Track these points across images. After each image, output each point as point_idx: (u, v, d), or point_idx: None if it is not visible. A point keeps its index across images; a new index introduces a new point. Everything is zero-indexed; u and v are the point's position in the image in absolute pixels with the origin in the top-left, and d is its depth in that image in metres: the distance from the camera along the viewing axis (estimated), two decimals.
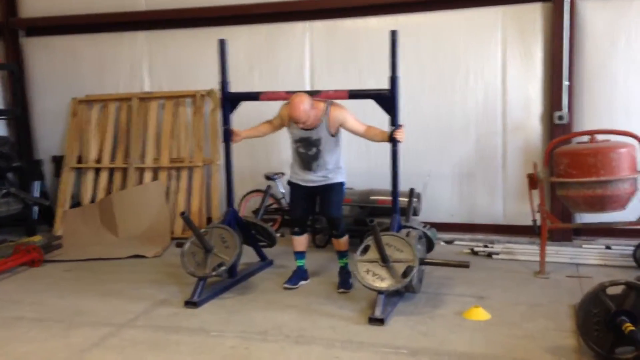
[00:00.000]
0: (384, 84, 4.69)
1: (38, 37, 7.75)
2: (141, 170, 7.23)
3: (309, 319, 4.40)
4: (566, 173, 5.07)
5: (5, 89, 7.70)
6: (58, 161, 7.70)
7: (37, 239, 6.53)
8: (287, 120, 4.90)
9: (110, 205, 7.00)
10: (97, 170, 7.40)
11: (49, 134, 7.86)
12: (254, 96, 5.15)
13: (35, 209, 7.46)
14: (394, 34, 4.59)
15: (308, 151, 4.86)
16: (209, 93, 7.06)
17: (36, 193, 7.57)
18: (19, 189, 7.30)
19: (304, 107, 4.60)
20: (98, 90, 7.55)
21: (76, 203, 7.41)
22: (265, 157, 7.03)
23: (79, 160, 7.48)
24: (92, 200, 7.30)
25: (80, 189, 7.42)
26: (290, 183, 5.15)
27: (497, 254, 5.87)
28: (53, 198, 7.58)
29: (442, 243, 6.33)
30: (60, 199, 7.37)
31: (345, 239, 5.04)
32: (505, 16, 6.26)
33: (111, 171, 7.36)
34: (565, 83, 6.03)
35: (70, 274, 5.74)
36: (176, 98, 7.24)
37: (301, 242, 5.14)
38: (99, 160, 7.41)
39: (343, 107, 4.82)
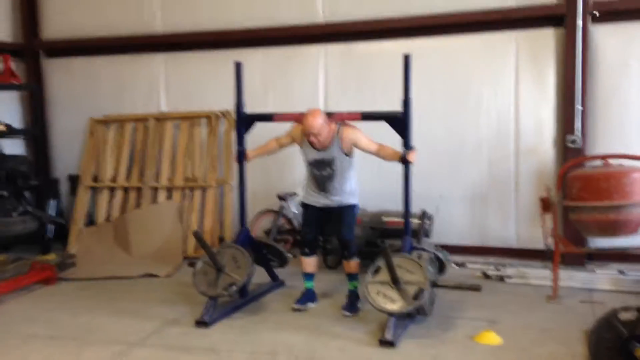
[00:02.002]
0: (397, 107, 4.74)
1: (58, 59, 7.91)
2: (155, 190, 7.30)
3: (319, 341, 4.40)
4: (579, 197, 5.06)
5: (25, 108, 7.84)
6: (74, 180, 7.80)
7: (51, 257, 6.61)
8: (299, 139, 4.95)
9: (124, 224, 7.07)
10: (112, 189, 7.49)
11: (67, 153, 7.98)
12: (268, 117, 5.21)
13: (51, 227, 7.55)
14: (407, 58, 4.65)
15: (322, 172, 4.90)
16: (224, 114, 7.15)
17: (52, 211, 7.66)
18: (35, 207, 7.40)
19: (319, 120, 4.66)
20: (115, 111, 7.68)
21: (91, 221, 7.49)
22: (278, 177, 7.08)
23: (95, 179, 7.58)
24: (107, 219, 7.38)
25: (95, 207, 7.51)
26: (303, 204, 5.19)
27: (509, 277, 5.84)
28: (68, 216, 7.67)
29: (454, 266, 6.30)
30: (75, 217, 7.45)
31: (355, 261, 5.04)
32: (518, 41, 6.30)
33: (126, 190, 7.45)
34: (578, 107, 6.04)
35: (84, 292, 5.79)
36: (191, 119, 7.34)
37: (311, 263, 5.15)
38: (114, 180, 7.50)
39: (354, 126, 4.87)
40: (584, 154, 6.03)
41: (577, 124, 6.06)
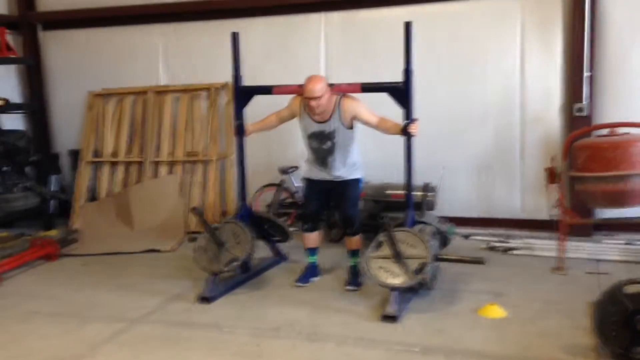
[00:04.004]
0: (400, 76, 4.61)
1: (55, 31, 7.77)
2: (156, 164, 7.24)
3: (322, 316, 4.37)
4: (585, 167, 4.95)
5: (23, 83, 7.74)
6: (75, 155, 7.74)
7: (53, 232, 6.59)
8: (299, 111, 4.84)
9: (126, 199, 7.03)
10: (114, 164, 7.43)
11: (66, 128, 7.90)
12: (266, 90, 5.09)
13: (53, 202, 7.52)
14: (408, 25, 4.51)
15: (322, 145, 4.80)
16: (224, 86, 7.04)
17: (54, 187, 7.63)
18: (36, 182, 7.37)
19: (319, 85, 4.54)
20: (115, 84, 7.56)
21: (93, 197, 7.45)
22: (280, 151, 6.99)
23: (96, 154, 7.52)
24: (109, 194, 7.33)
25: (96, 182, 7.46)
26: (305, 179, 5.10)
27: (514, 249, 5.77)
28: (70, 192, 7.63)
29: (459, 238, 6.23)
30: (77, 192, 7.41)
31: (358, 237, 4.97)
32: (525, 6, 6.12)
33: (127, 165, 7.38)
34: (586, 74, 5.89)
35: (86, 268, 5.78)
36: (191, 91, 7.23)
37: (313, 238, 5.09)
38: (115, 154, 7.43)
39: (355, 98, 4.76)
40: (591, 122, 5.90)
41: (585, 91, 5.91)
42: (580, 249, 5.64)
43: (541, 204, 5.99)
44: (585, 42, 5.85)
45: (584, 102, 5.92)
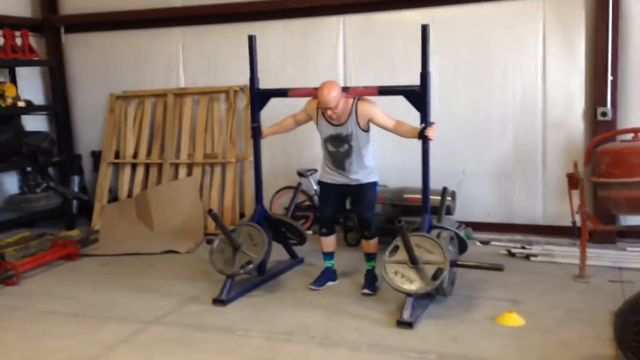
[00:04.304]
0: (418, 80, 4.56)
1: (77, 34, 7.85)
2: (176, 166, 7.27)
3: (336, 320, 4.33)
4: (607, 173, 4.83)
5: (46, 85, 7.84)
6: (97, 156, 7.82)
7: (74, 233, 6.65)
8: (315, 114, 4.82)
9: (146, 200, 7.08)
10: (134, 166, 7.49)
11: (88, 130, 7.98)
12: (283, 93, 5.08)
13: (75, 203, 7.61)
14: (425, 28, 4.45)
15: (339, 148, 4.77)
16: (243, 89, 7.05)
17: (75, 187, 7.72)
18: (58, 183, 7.46)
19: (333, 92, 4.51)
20: (135, 86, 7.62)
21: (114, 197, 7.52)
22: (298, 153, 6.98)
23: (117, 156, 7.58)
24: (129, 195, 7.39)
25: (117, 183, 7.52)
26: (320, 182, 5.08)
27: (535, 255, 5.67)
28: (92, 192, 7.71)
29: (478, 243, 6.16)
30: (98, 193, 7.49)
31: (374, 241, 4.93)
32: (546, 8, 6.00)
33: (147, 166, 7.43)
34: (610, 78, 5.77)
35: (105, 269, 5.82)
36: (210, 94, 7.25)
37: (329, 242, 5.06)
38: (135, 156, 7.49)
39: (371, 101, 4.72)
40: (615, 127, 5.77)
41: (608, 95, 5.79)
42: (603, 256, 5.53)
43: (563, 210, 5.86)
44: (609, 44, 5.72)
45: (607, 106, 5.80)
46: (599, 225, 5.25)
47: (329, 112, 4.57)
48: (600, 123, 5.82)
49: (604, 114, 5.80)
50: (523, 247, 5.88)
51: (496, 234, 6.35)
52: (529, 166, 6.26)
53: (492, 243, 6.16)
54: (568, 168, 5.68)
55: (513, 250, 5.81)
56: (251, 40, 5.10)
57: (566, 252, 5.68)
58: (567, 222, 5.47)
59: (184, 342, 4.07)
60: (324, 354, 3.83)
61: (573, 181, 5.16)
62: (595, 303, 4.50)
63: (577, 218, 5.17)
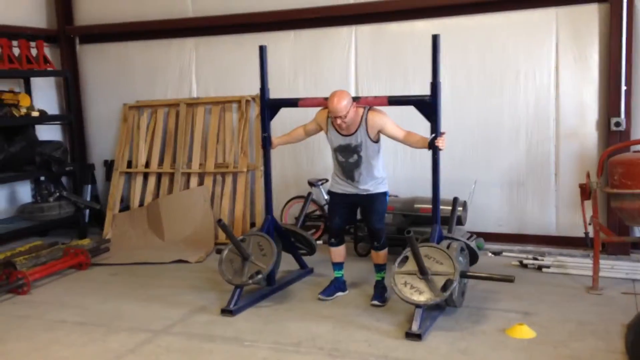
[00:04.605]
0: (429, 90, 4.54)
1: (91, 45, 7.95)
2: (187, 175, 7.30)
3: (345, 332, 4.30)
4: (621, 183, 4.77)
5: (60, 95, 7.93)
6: (109, 165, 7.88)
7: (86, 242, 6.68)
8: (325, 124, 4.82)
9: (157, 209, 7.11)
10: (146, 175, 7.52)
11: (102, 139, 8.05)
12: (293, 102, 5.09)
13: (87, 212, 7.65)
14: (435, 38, 4.44)
15: (349, 159, 4.75)
16: (255, 98, 7.07)
17: (88, 196, 7.78)
18: (71, 192, 7.52)
19: (343, 102, 4.51)
20: (148, 96, 7.68)
21: (125, 207, 7.55)
22: (310, 163, 6.98)
23: (129, 165, 7.62)
24: (141, 204, 7.43)
25: (129, 192, 7.56)
26: (330, 192, 5.06)
27: (547, 267, 5.60)
28: (104, 202, 7.76)
29: (490, 254, 6.10)
30: (110, 202, 7.53)
31: (384, 252, 4.90)
32: (559, 18, 5.97)
33: (159, 176, 7.47)
34: (623, 87, 5.71)
35: (115, 278, 5.84)
36: (222, 103, 7.28)
37: (339, 253, 5.04)
38: (147, 165, 7.53)
39: (382, 111, 4.70)
40: (629, 137, 5.70)
41: (622, 105, 5.73)
42: (616, 267, 5.45)
43: (576, 221, 5.80)
44: (623, 54, 5.67)
45: (621, 116, 5.74)
46: (612, 236, 5.18)
47: (339, 121, 4.56)
48: (613, 133, 5.76)
49: (617, 124, 5.74)
50: (535, 258, 5.82)
51: (508, 244, 6.29)
52: (542, 176, 6.20)
53: (504, 254, 6.10)
54: (581, 178, 5.62)
55: (525, 262, 5.74)
56: (262, 50, 5.12)
57: (579, 264, 5.60)
58: (580, 233, 5.41)
59: (191, 352, 4.06)
60: None
61: (585, 192, 5.11)
62: (607, 315, 4.43)
63: (590, 229, 5.10)
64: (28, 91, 7.32)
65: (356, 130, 4.65)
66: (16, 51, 7.04)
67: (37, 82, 7.54)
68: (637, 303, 4.60)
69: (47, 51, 7.44)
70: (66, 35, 7.85)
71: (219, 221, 4.72)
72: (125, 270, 6.08)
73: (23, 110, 6.90)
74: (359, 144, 4.67)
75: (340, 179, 4.90)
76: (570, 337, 4.10)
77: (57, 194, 7.31)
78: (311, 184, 6.61)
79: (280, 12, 6.86)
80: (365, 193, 4.83)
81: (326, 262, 5.39)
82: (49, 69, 7.37)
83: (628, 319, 3.61)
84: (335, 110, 4.51)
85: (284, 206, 6.91)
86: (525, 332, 4.14)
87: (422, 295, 4.19)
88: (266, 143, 5.12)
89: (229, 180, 7.14)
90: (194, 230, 6.89)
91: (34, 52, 7.21)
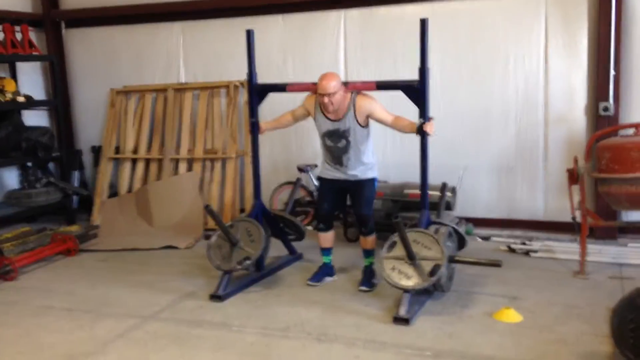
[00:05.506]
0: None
1: (78, 29, 7.84)
2: (176, 161, 7.26)
3: (333, 316, 4.31)
4: (608, 168, 4.78)
5: (46, 80, 7.83)
6: (97, 151, 7.81)
7: (74, 228, 6.64)
8: (313, 109, 4.79)
9: (146, 195, 7.07)
10: (134, 161, 7.47)
11: (89, 125, 7.98)
12: (281, 87, 5.06)
13: (75, 198, 7.60)
14: (424, 23, 4.41)
15: (337, 143, 4.74)
16: (243, 83, 7.01)
17: (76, 183, 7.73)
18: (58, 178, 7.46)
19: (333, 82, 4.49)
20: (136, 81, 7.60)
21: (114, 193, 7.50)
22: (299, 148, 6.95)
23: (117, 151, 7.57)
24: (129, 190, 7.38)
25: (117, 178, 7.51)
26: (320, 178, 5.05)
27: (535, 251, 5.63)
28: (92, 188, 7.71)
29: (479, 239, 6.12)
30: (98, 188, 7.48)
31: (372, 237, 4.91)
32: (548, 3, 5.95)
33: (147, 161, 7.42)
34: (612, 72, 5.71)
35: (104, 264, 5.81)
36: (210, 89, 7.23)
37: (327, 238, 5.03)
38: (135, 151, 7.48)
39: (370, 96, 4.68)
40: (617, 122, 5.72)
41: (611, 90, 5.73)
42: (603, 252, 5.50)
43: (564, 205, 5.81)
44: (612, 39, 5.66)
45: (610, 101, 5.75)
46: (600, 221, 5.20)
47: (326, 100, 4.51)
48: (602, 118, 5.78)
49: (606, 109, 5.75)
50: (523, 243, 5.85)
51: (497, 229, 6.32)
52: (531, 161, 6.22)
53: (493, 239, 6.13)
54: (569, 163, 5.62)
55: (513, 246, 5.78)
56: (249, 34, 5.07)
57: (566, 248, 5.64)
58: (568, 218, 5.43)
59: (179, 338, 4.05)
60: (319, 349, 3.81)
61: (573, 177, 5.12)
62: (594, 300, 4.47)
63: (578, 214, 5.12)
64: (13, 76, 7.23)
65: (344, 115, 4.63)
66: (0, 35, 6.94)
67: (22, 67, 7.45)
68: (624, 287, 4.62)
69: (32, 35, 7.35)
70: (52, 20, 7.73)
71: (207, 207, 4.70)
72: (113, 256, 6.05)
73: (8, 96, 6.82)
74: (347, 129, 4.65)
75: (329, 165, 4.89)
76: (556, 321, 4.13)
77: (45, 180, 7.25)
78: (300, 169, 6.59)
79: None
80: (353, 179, 4.82)
81: (315, 248, 5.39)
82: (34, 53, 7.28)
83: (614, 303, 3.61)
84: (324, 88, 4.48)
85: (274, 192, 6.88)
86: (512, 316, 4.17)
87: (410, 280, 4.20)
88: (254, 128, 5.09)
89: (218, 166, 7.10)
90: (183, 216, 6.86)
91: (18, 36, 7.11)
